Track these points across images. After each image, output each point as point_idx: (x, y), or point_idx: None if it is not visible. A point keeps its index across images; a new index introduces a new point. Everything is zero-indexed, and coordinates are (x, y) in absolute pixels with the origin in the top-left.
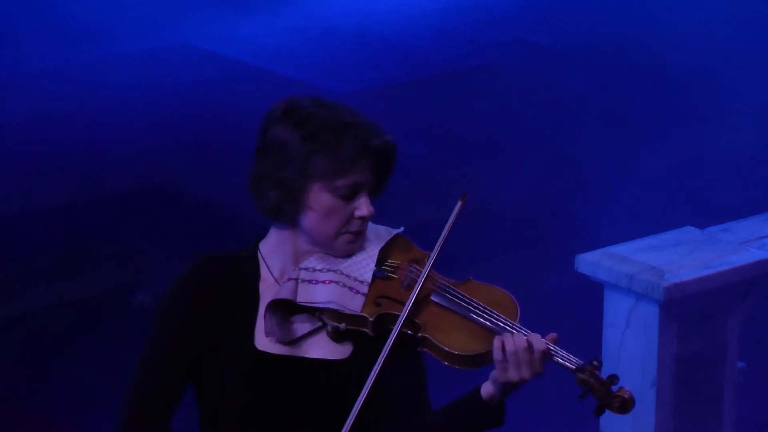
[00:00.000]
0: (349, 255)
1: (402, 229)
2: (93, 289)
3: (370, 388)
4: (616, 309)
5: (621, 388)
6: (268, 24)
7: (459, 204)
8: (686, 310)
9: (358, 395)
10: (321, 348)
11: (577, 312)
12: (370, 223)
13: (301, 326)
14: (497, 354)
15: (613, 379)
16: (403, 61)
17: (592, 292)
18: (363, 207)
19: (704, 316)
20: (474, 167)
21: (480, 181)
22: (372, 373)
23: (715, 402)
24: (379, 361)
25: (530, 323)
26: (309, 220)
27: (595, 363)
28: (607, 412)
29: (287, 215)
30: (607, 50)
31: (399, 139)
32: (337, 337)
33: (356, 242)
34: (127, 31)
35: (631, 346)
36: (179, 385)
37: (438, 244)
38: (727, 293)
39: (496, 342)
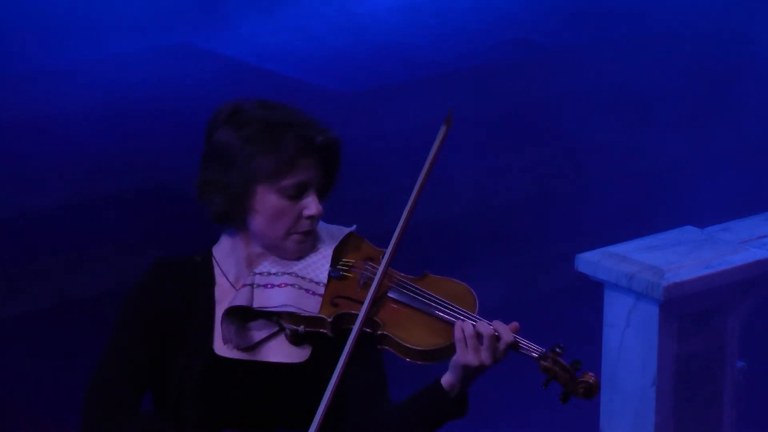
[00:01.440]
0: (300, 256)
1: (354, 227)
2: (93, 289)
3: (335, 388)
4: (616, 309)
5: (585, 373)
6: (268, 24)
7: (443, 128)
8: (686, 310)
9: (317, 397)
10: (280, 352)
11: (577, 312)
12: (321, 223)
13: (259, 332)
14: (458, 334)
15: (577, 364)
16: (403, 61)
17: (592, 292)
18: (311, 206)
19: (704, 316)
20: (474, 167)
21: (480, 181)
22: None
23: (715, 402)
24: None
25: (530, 323)
26: (257, 222)
27: (557, 350)
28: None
29: (235, 220)
30: (606, 50)
31: (398, 138)
32: (296, 340)
33: (306, 242)
34: (127, 31)
35: (631, 346)
36: (142, 384)
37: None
38: (726, 293)
39: (458, 324)
